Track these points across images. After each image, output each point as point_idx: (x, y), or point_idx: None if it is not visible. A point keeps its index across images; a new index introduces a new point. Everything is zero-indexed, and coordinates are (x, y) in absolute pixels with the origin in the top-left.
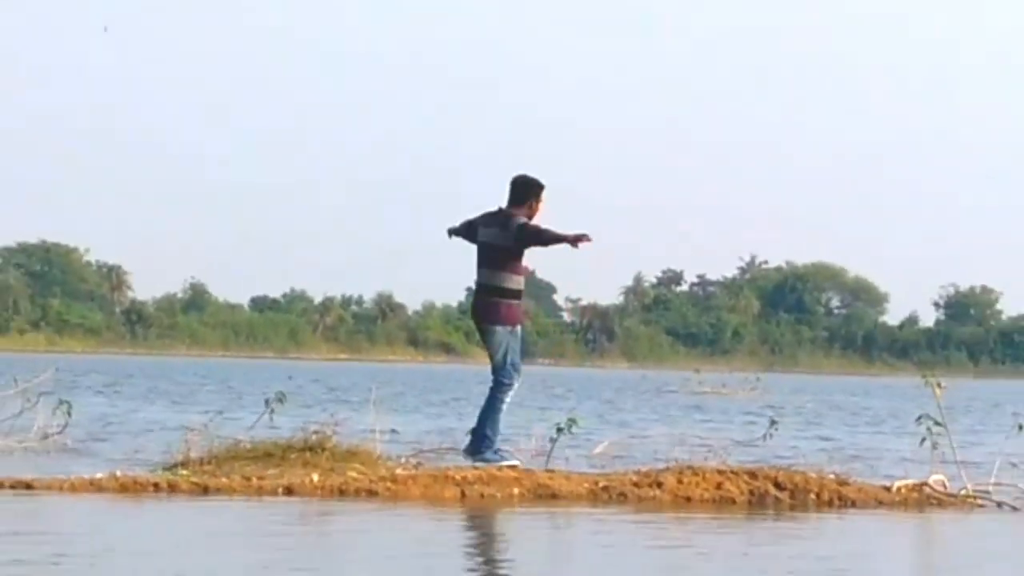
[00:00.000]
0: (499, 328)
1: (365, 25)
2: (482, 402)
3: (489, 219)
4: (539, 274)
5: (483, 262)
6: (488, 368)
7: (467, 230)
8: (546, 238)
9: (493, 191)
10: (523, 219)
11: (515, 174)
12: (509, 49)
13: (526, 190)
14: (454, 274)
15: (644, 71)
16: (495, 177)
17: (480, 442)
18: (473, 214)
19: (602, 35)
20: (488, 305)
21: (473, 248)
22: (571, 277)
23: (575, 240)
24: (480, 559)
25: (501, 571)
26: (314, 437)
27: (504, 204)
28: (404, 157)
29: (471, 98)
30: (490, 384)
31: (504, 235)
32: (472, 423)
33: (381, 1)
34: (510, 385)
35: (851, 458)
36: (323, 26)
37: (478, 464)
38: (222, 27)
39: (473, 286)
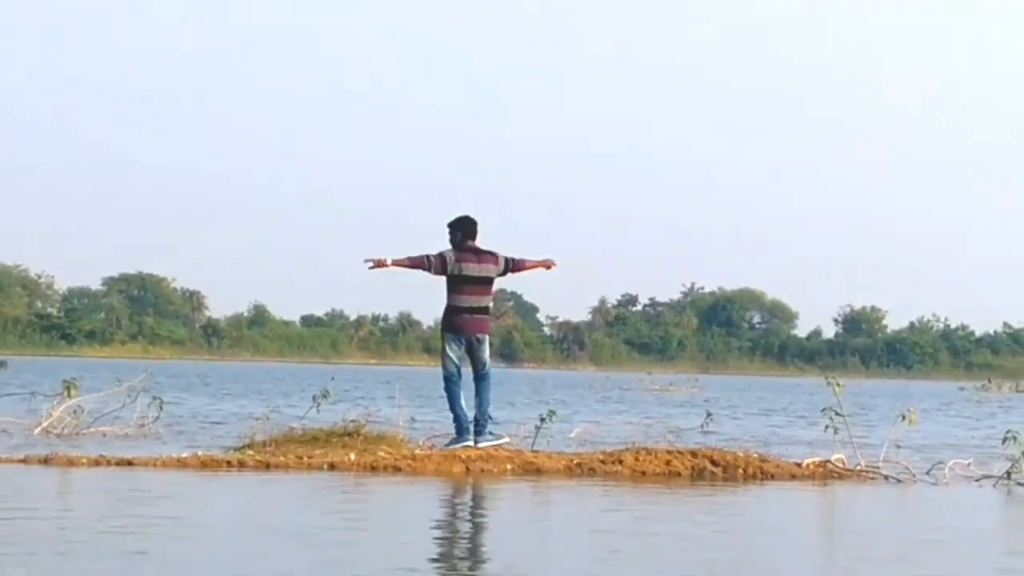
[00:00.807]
0: (489, 338)
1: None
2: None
3: (477, 255)
4: (525, 297)
5: (476, 290)
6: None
7: (440, 264)
8: (526, 267)
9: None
10: (506, 255)
11: (461, 215)
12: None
13: (475, 227)
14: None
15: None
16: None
17: (484, 426)
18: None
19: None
20: (484, 322)
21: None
22: (550, 300)
23: (546, 264)
24: (478, 515)
25: (494, 522)
26: (351, 425)
27: (472, 241)
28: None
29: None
30: (479, 381)
31: (497, 268)
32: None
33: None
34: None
35: (770, 442)
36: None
37: (481, 444)
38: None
39: (458, 306)
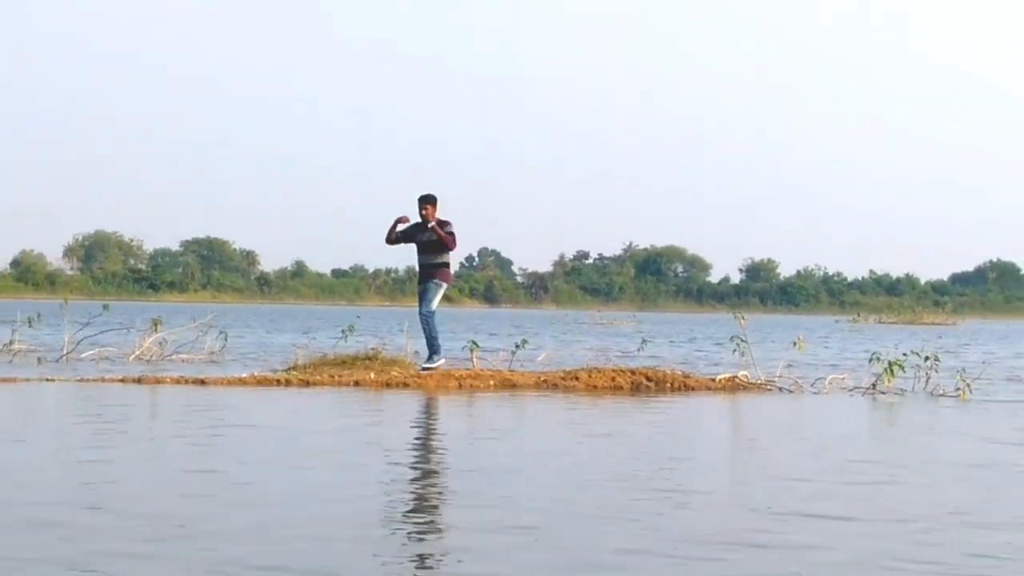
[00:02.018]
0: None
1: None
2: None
3: (422, 228)
4: (503, 253)
5: (423, 250)
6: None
7: (404, 237)
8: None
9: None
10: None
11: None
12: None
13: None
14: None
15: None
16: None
17: (434, 352)
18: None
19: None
20: (433, 272)
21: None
22: (523, 255)
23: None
24: (466, 413)
25: (480, 420)
26: (371, 351)
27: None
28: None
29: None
30: (424, 317)
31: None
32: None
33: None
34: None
35: (690, 362)
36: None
37: (427, 367)
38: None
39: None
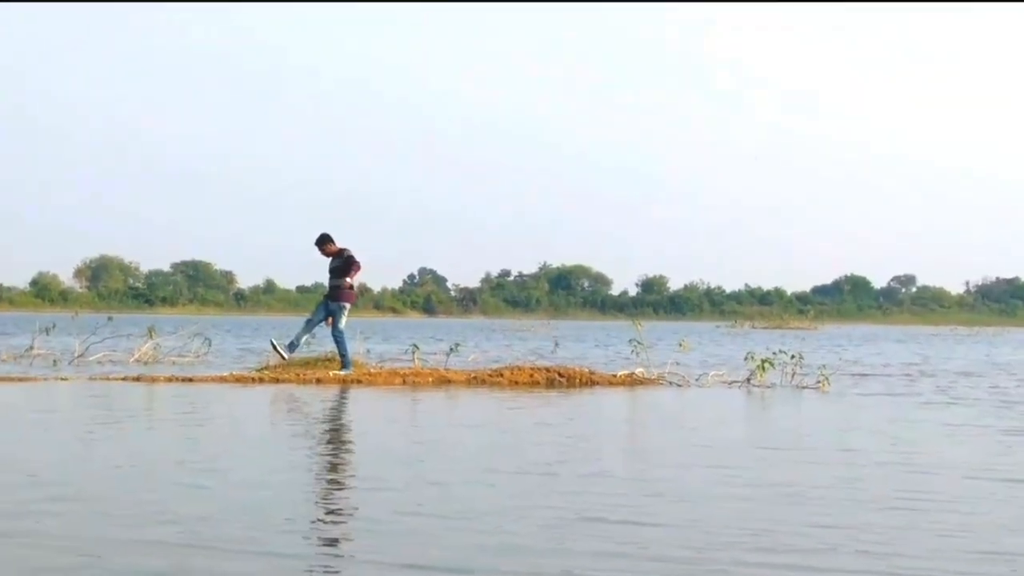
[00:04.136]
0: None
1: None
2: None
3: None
4: (439, 272)
5: (332, 274)
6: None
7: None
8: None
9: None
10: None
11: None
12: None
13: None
14: (394, 269)
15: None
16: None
17: (345, 365)
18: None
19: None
20: (339, 294)
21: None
22: (456, 273)
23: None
24: (405, 404)
25: (420, 409)
26: (330, 354)
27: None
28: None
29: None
30: (336, 336)
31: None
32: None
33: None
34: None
35: (595, 361)
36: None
37: (339, 374)
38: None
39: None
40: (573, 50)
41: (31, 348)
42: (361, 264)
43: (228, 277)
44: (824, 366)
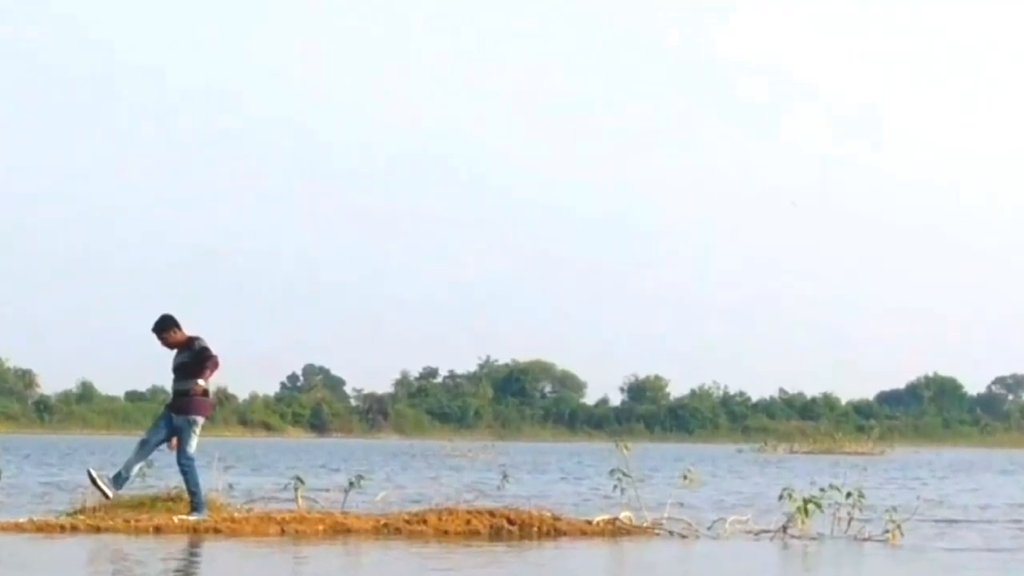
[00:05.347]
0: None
1: None
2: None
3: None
4: (333, 371)
5: (176, 375)
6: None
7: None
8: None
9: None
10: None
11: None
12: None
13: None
14: (269, 367)
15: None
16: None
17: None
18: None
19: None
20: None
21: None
22: (357, 373)
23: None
24: (284, 565)
25: (306, 572)
26: (174, 491)
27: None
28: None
29: None
30: (183, 465)
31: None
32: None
33: None
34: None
35: (562, 501)
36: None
37: (187, 519)
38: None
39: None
40: (527, 49)
41: None
42: (219, 360)
43: (26, 379)
44: (894, 508)
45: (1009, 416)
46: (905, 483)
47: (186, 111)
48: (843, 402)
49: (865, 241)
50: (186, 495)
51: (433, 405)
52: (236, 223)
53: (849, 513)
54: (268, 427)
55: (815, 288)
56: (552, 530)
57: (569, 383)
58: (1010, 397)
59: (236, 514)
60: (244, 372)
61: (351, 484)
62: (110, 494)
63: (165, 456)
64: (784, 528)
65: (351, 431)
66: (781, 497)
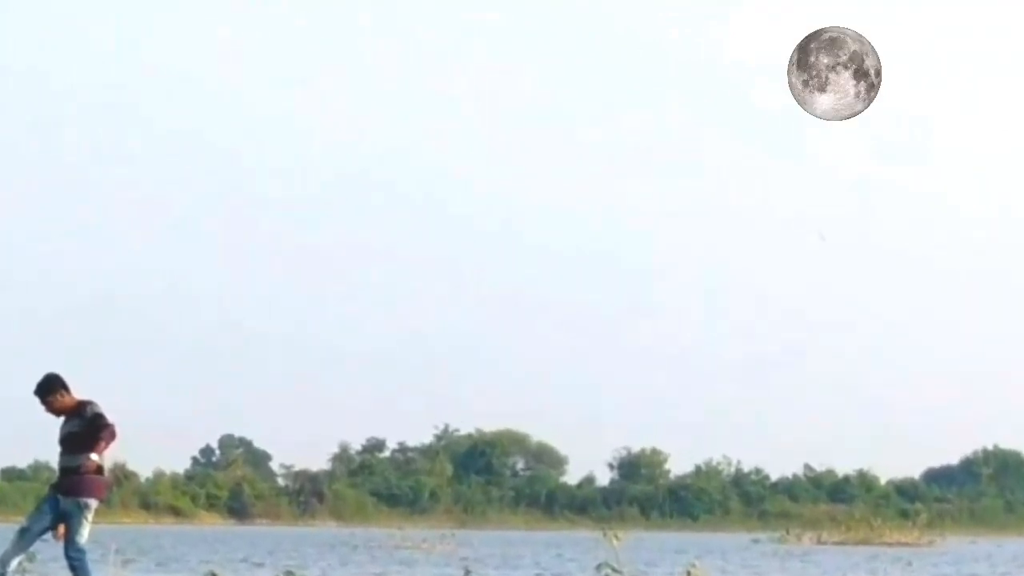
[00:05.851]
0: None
1: None
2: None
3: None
4: (256, 443)
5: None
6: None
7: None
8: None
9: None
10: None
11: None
12: None
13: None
14: (182, 442)
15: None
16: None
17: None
18: None
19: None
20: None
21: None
22: (286, 446)
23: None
24: None
25: None
26: None
27: None
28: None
29: None
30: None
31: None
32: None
33: None
34: None
35: None
36: None
37: None
38: None
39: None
40: (493, 48)
41: None
42: (116, 429)
43: None
44: None
45: None
46: None
47: (73, 123)
48: (882, 481)
49: (910, 284)
50: None
51: (379, 485)
52: (136, 261)
53: None
54: (177, 512)
55: (848, 341)
56: None
57: (546, 458)
58: None
59: None
60: (147, 444)
61: None
62: None
63: (50, 547)
64: None
65: (278, 517)
66: None
